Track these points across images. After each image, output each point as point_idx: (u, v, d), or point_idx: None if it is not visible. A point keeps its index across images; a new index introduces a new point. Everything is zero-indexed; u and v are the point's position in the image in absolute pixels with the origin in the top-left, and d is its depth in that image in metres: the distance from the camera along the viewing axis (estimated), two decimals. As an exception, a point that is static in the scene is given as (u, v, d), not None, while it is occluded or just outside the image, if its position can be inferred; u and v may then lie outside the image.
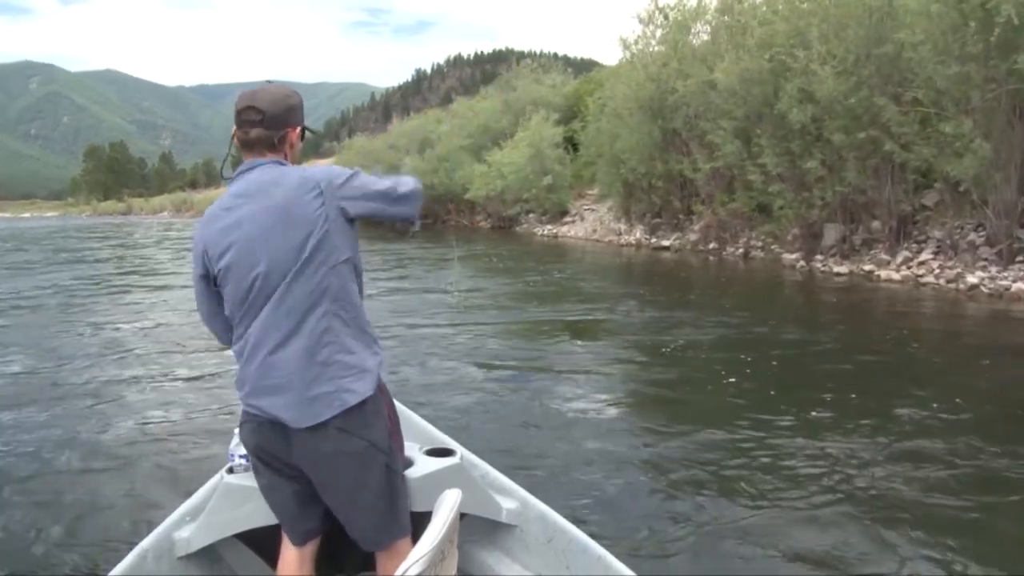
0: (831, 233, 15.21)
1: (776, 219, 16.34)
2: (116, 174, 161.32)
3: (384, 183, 2.38)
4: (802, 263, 15.12)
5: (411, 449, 2.81)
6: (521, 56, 42.77)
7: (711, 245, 19.14)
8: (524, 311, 11.37)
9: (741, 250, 17.92)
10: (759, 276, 15.11)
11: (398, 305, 11.99)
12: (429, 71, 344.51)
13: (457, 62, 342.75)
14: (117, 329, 10.63)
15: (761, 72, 14.89)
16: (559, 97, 34.15)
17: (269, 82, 2.43)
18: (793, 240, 16.65)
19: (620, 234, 23.23)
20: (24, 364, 8.44)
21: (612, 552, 2.69)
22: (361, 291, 2.42)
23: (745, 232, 18.32)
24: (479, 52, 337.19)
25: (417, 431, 3.23)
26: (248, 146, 2.33)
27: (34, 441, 5.66)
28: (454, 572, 2.12)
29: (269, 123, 2.30)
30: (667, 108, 19.86)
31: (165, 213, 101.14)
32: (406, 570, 1.76)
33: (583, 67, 52.90)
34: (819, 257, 15.12)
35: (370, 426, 2.31)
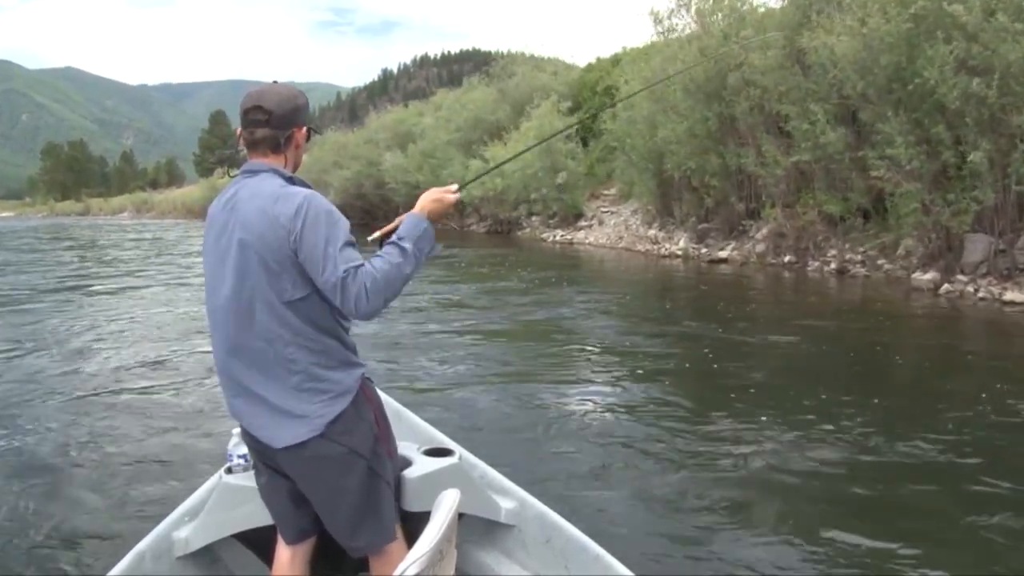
0: (977, 247, 11.57)
1: (897, 227, 12.69)
2: (75, 173, 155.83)
3: (341, 260, 2.14)
4: (947, 286, 11.41)
5: (409, 449, 2.80)
6: (489, 56, 39.38)
7: (786, 258, 15.44)
8: (563, 329, 10.00)
9: (833, 265, 14.21)
10: (883, 301, 11.35)
11: (409, 307, 11.44)
12: (396, 71, 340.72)
13: (424, 62, 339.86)
14: (112, 327, 10.67)
15: (897, 35, 11.17)
16: (562, 86, 30.38)
17: (275, 82, 2.41)
18: (907, 254, 13.04)
19: (657, 242, 19.43)
20: (15, 363, 8.40)
21: (610, 551, 2.66)
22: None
23: (834, 242, 14.66)
24: (446, 52, 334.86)
25: (416, 431, 3.27)
26: (253, 146, 2.31)
27: (30, 441, 5.64)
28: (452, 572, 2.10)
29: (276, 123, 2.27)
30: (727, 89, 16.15)
31: (125, 214, 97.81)
32: (404, 570, 1.74)
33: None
34: (961, 277, 11.49)
35: (350, 432, 2.28)
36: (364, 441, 2.32)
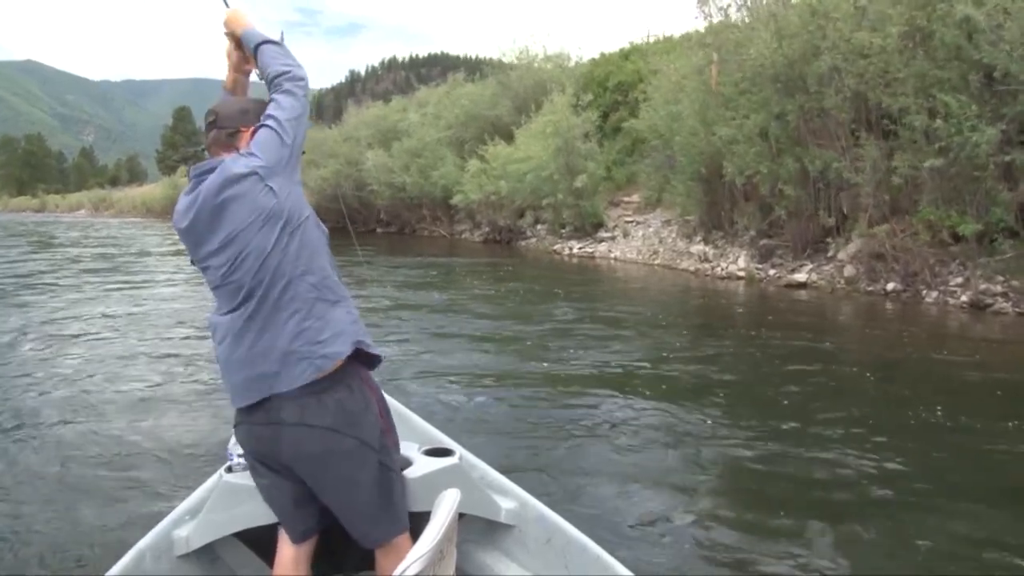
0: None
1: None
2: (32, 168, 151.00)
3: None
4: None
5: (410, 449, 2.77)
6: (457, 60, 36.70)
7: (888, 285, 12.54)
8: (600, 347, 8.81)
9: (963, 297, 11.33)
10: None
11: (418, 309, 11.51)
12: (363, 73, 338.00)
13: (392, 65, 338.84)
14: (108, 323, 10.48)
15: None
16: (570, 79, 27.39)
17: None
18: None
19: (708, 260, 16.43)
20: (12, 361, 8.19)
21: (610, 552, 2.63)
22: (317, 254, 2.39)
23: (955, 267, 11.81)
24: (414, 55, 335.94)
25: (416, 431, 3.21)
26: (209, 149, 2.45)
27: (29, 440, 5.53)
28: (452, 572, 2.10)
29: (220, 123, 2.42)
30: (812, 78, 13.24)
31: (82, 211, 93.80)
32: (405, 569, 1.72)
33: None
34: None
35: (358, 424, 2.29)
36: (372, 433, 2.31)
